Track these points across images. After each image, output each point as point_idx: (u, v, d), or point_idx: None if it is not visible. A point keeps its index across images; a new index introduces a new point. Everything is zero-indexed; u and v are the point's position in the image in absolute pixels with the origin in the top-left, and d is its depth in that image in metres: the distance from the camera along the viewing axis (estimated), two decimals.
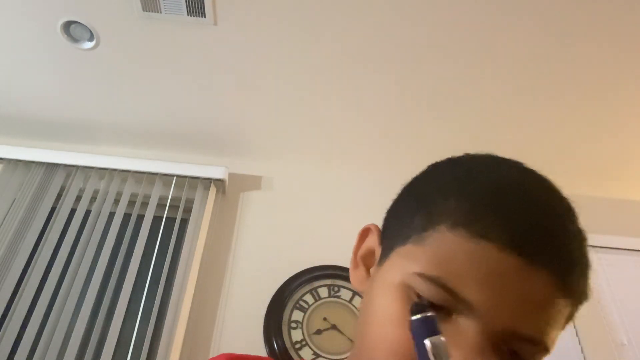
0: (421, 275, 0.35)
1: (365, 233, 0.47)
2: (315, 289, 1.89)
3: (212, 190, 2.12)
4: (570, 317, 0.38)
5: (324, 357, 1.74)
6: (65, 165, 2.07)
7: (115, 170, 2.08)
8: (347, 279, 1.90)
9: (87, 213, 1.96)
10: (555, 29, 1.63)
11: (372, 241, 0.45)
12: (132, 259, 1.84)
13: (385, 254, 0.41)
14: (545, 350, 0.36)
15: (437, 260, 0.35)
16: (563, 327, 0.37)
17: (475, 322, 0.33)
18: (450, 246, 0.35)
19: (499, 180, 0.38)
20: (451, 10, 1.59)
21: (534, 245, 0.34)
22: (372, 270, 0.44)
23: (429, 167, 0.44)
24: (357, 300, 1.88)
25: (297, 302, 1.86)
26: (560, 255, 0.35)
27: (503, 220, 0.34)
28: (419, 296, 0.34)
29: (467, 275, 0.33)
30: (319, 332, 1.80)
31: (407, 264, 0.36)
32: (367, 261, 0.45)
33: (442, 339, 0.31)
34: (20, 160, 2.05)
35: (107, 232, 1.91)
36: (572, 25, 1.61)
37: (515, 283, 0.33)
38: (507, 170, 0.40)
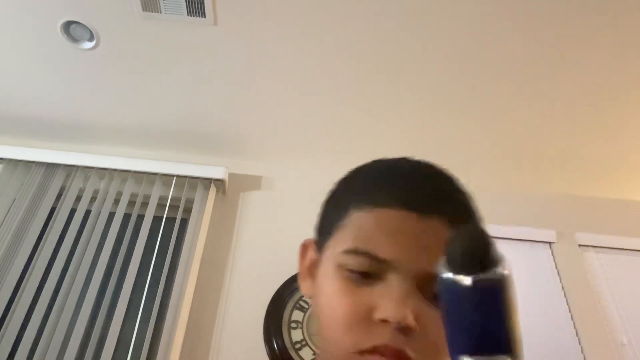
0: (345, 251, 0.43)
1: (304, 249, 0.53)
2: None
3: (212, 190, 2.12)
4: None
5: None
6: (65, 165, 2.07)
7: (115, 170, 2.08)
8: None
9: (87, 213, 1.96)
10: (561, 34, 1.63)
11: (311, 253, 0.52)
12: (132, 259, 1.84)
13: (320, 255, 0.48)
14: None
15: (354, 236, 0.43)
16: None
17: (397, 274, 0.40)
18: (361, 222, 0.44)
19: (389, 165, 0.48)
20: (458, 14, 1.59)
21: (422, 201, 0.43)
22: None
23: (337, 180, 0.53)
24: None
25: (297, 302, 1.86)
26: (445, 204, 0.44)
27: (395, 190, 0.44)
28: (351, 271, 0.42)
29: (378, 238, 0.42)
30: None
31: (335, 250, 0.45)
32: (312, 272, 0.51)
33: None
34: (20, 160, 2.05)
35: (107, 232, 1.91)
36: (577, 30, 1.61)
37: (417, 233, 0.42)
38: (396, 159, 0.50)
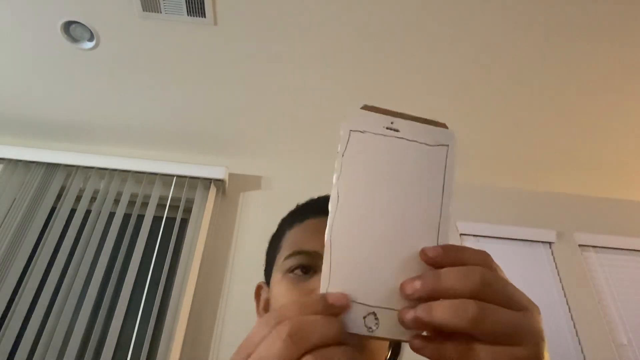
0: (285, 258, 0.53)
1: (257, 291, 0.63)
2: None
3: (212, 190, 2.12)
4: None
5: None
6: (65, 165, 2.07)
7: (115, 170, 2.08)
8: None
9: (87, 213, 1.96)
10: (562, 33, 1.63)
11: (265, 292, 0.61)
12: (132, 259, 1.84)
13: (270, 286, 0.57)
14: None
15: (289, 246, 0.55)
16: None
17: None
18: (293, 235, 0.56)
19: (305, 201, 0.64)
20: (457, 14, 1.59)
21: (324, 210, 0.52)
22: None
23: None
24: None
25: None
26: None
27: (312, 206, 0.60)
28: (293, 271, 0.51)
29: (306, 239, 0.54)
30: None
31: (278, 266, 0.55)
32: (266, 309, 0.59)
33: None
34: (20, 160, 2.05)
35: (107, 232, 1.91)
36: (577, 30, 1.61)
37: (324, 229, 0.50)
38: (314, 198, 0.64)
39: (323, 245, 0.48)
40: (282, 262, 0.54)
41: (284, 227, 0.60)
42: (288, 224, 0.59)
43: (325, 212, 0.53)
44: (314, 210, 0.58)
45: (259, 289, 0.62)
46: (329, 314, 0.27)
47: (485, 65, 1.78)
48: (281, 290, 0.52)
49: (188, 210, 2.06)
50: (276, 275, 0.54)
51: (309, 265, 0.51)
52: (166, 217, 2.03)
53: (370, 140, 0.31)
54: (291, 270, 0.51)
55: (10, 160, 2.05)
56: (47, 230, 1.89)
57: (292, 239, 0.56)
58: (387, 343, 0.54)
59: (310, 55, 1.78)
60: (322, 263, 0.46)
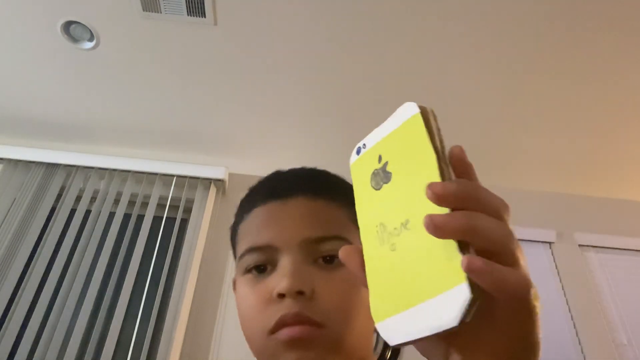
0: (240, 257, 0.50)
1: (234, 285, 0.59)
2: None
3: (212, 190, 2.12)
4: (348, 214, 0.50)
5: None
6: (65, 165, 2.07)
7: (115, 170, 2.08)
8: None
9: (87, 213, 1.96)
10: (563, 36, 1.63)
11: None
12: (132, 259, 1.85)
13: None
14: (342, 239, 0.48)
15: (242, 243, 0.51)
16: (352, 221, 0.48)
17: (284, 253, 0.47)
18: (244, 229, 0.52)
19: (262, 179, 0.58)
20: (443, 18, 1.59)
21: (281, 189, 0.52)
22: None
23: None
24: None
25: None
26: (304, 185, 0.52)
27: (259, 191, 0.55)
28: (250, 270, 0.49)
29: (258, 232, 0.50)
30: None
31: (237, 260, 0.52)
32: None
33: None
34: (20, 160, 2.05)
35: (107, 232, 1.91)
36: (578, 32, 1.62)
37: (283, 214, 0.50)
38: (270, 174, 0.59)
39: (274, 236, 0.48)
40: (238, 261, 0.51)
41: (237, 220, 0.56)
42: (240, 216, 0.55)
43: (273, 196, 0.52)
44: (261, 195, 0.53)
45: (234, 282, 0.58)
46: None
47: (485, 67, 1.78)
48: (242, 293, 0.49)
49: (188, 210, 2.06)
50: (237, 274, 0.52)
51: (264, 262, 0.48)
52: (166, 217, 2.03)
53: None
54: (248, 270, 0.49)
55: (10, 160, 2.05)
56: (47, 230, 1.89)
57: (244, 234, 0.52)
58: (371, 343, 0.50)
59: (310, 55, 1.78)
60: (278, 255, 0.47)
